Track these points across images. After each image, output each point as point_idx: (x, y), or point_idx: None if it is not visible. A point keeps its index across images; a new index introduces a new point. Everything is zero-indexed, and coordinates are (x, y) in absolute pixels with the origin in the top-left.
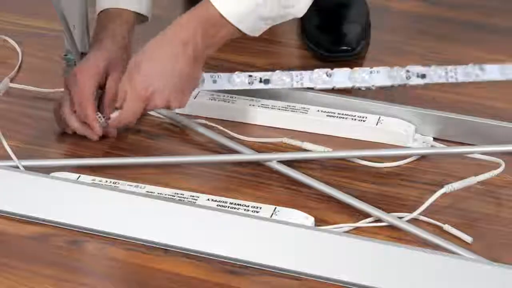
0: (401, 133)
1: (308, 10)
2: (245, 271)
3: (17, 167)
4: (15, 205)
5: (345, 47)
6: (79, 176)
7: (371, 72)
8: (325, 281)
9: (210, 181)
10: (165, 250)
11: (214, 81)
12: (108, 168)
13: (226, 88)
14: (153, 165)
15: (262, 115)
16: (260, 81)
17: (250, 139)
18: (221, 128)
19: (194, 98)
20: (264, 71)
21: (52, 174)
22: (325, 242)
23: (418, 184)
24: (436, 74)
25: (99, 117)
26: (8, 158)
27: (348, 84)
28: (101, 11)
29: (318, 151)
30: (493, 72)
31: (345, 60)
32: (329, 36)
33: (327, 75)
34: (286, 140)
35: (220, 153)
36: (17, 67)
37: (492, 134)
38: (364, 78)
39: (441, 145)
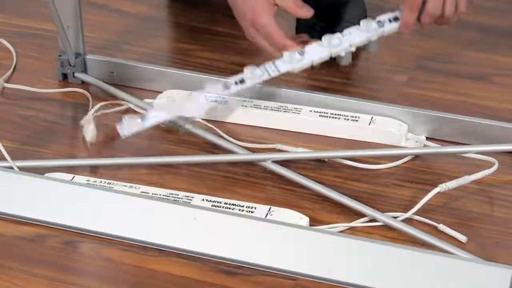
0: (394, 133)
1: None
2: (240, 271)
3: (11, 168)
4: (9, 206)
5: None
6: (74, 177)
7: (343, 35)
8: (320, 281)
9: (204, 181)
10: (160, 251)
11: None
12: (103, 168)
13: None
14: (148, 165)
15: (254, 115)
16: (236, 83)
17: (242, 144)
18: (216, 128)
19: None
20: None
21: (47, 174)
22: (320, 242)
23: (412, 184)
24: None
25: None
26: (2, 158)
27: (325, 54)
28: None
29: (313, 151)
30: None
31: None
32: (322, 35)
33: (300, 54)
34: (280, 146)
35: (214, 153)
36: (12, 68)
37: (485, 134)
38: (337, 42)
39: (435, 144)
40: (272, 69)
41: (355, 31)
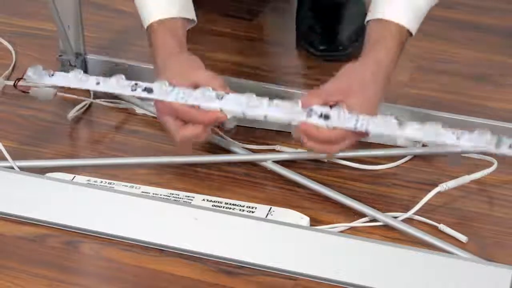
0: None
1: (303, 9)
2: (241, 271)
3: (12, 168)
4: (10, 206)
5: (336, 47)
6: (74, 177)
7: (269, 105)
8: (320, 281)
9: (205, 181)
10: (161, 251)
11: (98, 83)
12: (103, 168)
13: (111, 92)
14: (148, 165)
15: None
16: (144, 90)
17: (242, 144)
18: (216, 129)
19: None
20: (260, 70)
21: (47, 174)
22: (320, 242)
23: (413, 184)
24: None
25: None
26: (3, 158)
27: (239, 110)
28: (154, 22)
29: (313, 152)
30: (412, 127)
31: (338, 60)
32: (322, 35)
33: (219, 98)
34: (279, 147)
35: (215, 153)
36: (11, 67)
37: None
38: (258, 104)
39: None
40: (181, 95)
41: (281, 107)
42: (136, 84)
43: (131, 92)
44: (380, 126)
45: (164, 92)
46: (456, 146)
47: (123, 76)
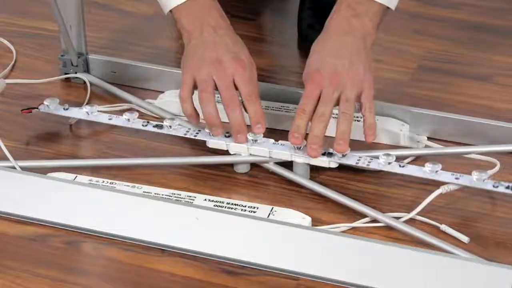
0: (395, 132)
1: (305, 8)
2: (242, 271)
3: (14, 168)
4: (12, 206)
5: None
6: (76, 177)
7: (274, 143)
8: (322, 281)
9: (207, 181)
10: (162, 251)
11: (110, 119)
12: (105, 168)
13: (121, 125)
14: (150, 165)
15: None
16: (154, 126)
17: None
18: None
19: None
20: (262, 71)
21: (49, 174)
22: (322, 242)
23: (415, 184)
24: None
25: None
26: (5, 158)
27: (245, 148)
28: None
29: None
30: (412, 169)
31: None
32: None
33: (225, 136)
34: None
35: (217, 153)
36: (11, 66)
37: (487, 134)
38: (264, 141)
39: (437, 144)
40: (191, 132)
41: (278, 147)
42: (148, 122)
43: (142, 127)
44: (381, 165)
45: (173, 128)
46: None
47: (136, 113)
